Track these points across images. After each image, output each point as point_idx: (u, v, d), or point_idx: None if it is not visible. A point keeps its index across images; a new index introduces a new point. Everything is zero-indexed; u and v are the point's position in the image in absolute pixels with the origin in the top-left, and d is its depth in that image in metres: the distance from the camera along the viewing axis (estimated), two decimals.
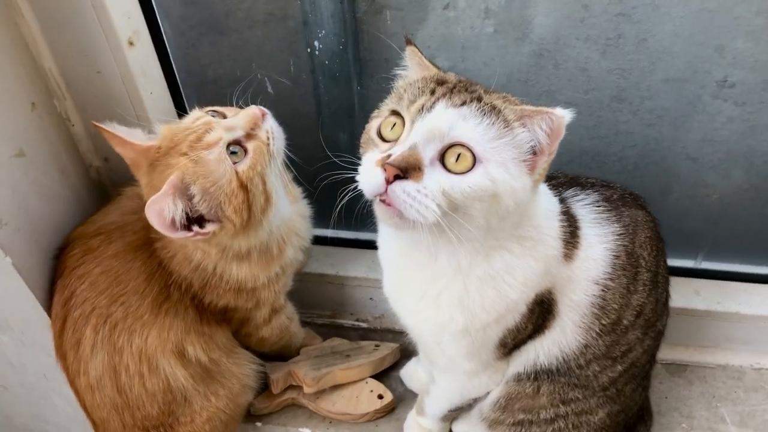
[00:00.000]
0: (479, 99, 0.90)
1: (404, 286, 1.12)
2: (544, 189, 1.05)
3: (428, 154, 0.87)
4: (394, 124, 0.92)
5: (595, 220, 1.10)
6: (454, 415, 1.38)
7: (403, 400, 1.56)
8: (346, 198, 0.93)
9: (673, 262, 1.21)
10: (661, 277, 1.17)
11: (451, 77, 0.97)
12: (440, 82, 0.94)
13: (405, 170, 0.84)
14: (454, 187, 0.86)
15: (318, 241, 1.60)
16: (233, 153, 1.13)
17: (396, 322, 1.64)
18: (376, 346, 1.62)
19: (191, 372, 1.27)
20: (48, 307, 1.24)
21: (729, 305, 1.56)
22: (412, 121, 0.89)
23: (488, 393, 1.24)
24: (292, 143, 1.23)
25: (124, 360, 1.20)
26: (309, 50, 1.44)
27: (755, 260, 1.63)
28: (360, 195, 0.91)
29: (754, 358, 1.62)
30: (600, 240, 1.09)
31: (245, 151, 1.15)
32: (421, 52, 1.03)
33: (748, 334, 1.59)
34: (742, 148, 1.43)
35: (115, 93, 1.35)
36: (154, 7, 1.40)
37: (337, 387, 1.54)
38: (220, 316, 1.33)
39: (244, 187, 1.13)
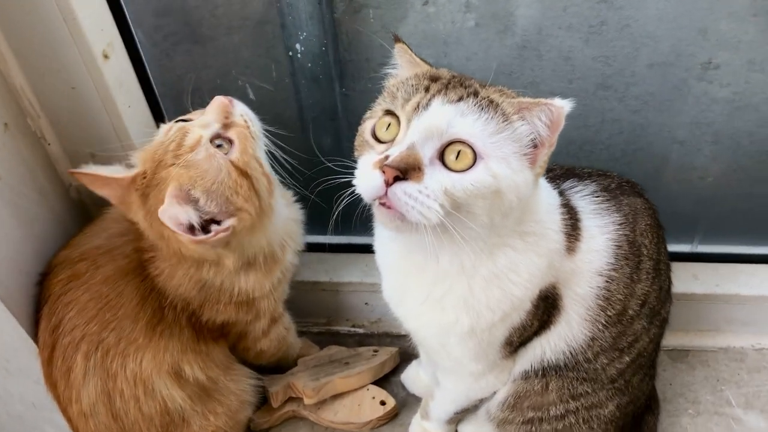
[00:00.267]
0: (476, 94, 0.88)
1: (405, 290, 1.09)
2: (543, 182, 1.04)
3: (427, 153, 0.84)
4: (389, 125, 0.90)
5: (595, 211, 1.09)
6: (459, 417, 1.36)
7: (406, 405, 1.54)
8: (343, 203, 0.91)
9: (669, 247, 1.21)
10: (663, 264, 1.17)
11: (445, 73, 0.95)
12: (434, 79, 0.92)
13: (404, 171, 0.82)
14: (456, 186, 0.83)
15: (314, 248, 1.58)
16: (219, 146, 1.13)
17: (394, 325, 1.64)
18: (375, 351, 1.60)
19: (189, 392, 1.26)
20: (34, 334, 1.21)
21: (728, 287, 1.56)
22: (408, 120, 0.87)
23: (495, 393, 1.22)
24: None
25: (118, 385, 1.18)
26: (290, 54, 1.41)
27: (751, 240, 1.64)
28: (357, 199, 0.88)
29: (755, 338, 1.63)
30: (601, 231, 1.08)
31: (230, 141, 1.15)
32: (410, 49, 1.01)
33: (748, 315, 1.60)
34: (729, 130, 1.44)
35: (92, 108, 1.31)
36: (128, 17, 1.36)
37: (337, 396, 1.52)
38: (218, 333, 1.31)
39: (244, 173, 1.13)
